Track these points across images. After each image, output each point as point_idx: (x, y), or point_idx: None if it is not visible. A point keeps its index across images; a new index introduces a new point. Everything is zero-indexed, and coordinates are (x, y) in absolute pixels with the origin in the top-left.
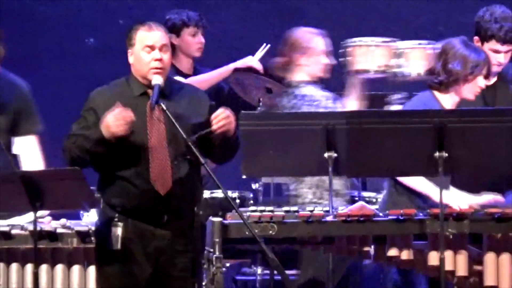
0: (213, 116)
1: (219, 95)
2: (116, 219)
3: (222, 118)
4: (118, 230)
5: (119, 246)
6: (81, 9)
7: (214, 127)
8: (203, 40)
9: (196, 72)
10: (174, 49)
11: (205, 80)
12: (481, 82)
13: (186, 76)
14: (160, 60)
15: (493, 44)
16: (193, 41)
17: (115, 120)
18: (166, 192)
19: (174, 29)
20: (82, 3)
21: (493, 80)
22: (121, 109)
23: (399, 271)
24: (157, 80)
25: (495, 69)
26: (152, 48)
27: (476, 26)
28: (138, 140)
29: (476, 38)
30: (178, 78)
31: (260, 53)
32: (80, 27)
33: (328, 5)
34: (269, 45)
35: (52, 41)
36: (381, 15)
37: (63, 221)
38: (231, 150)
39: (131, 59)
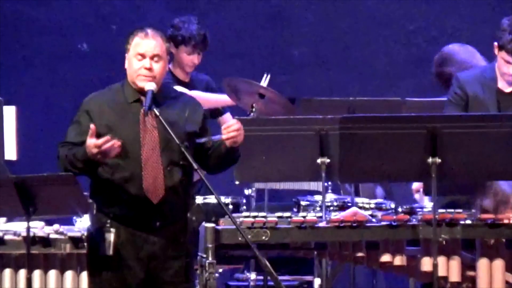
0: (225, 125)
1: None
2: (108, 225)
3: (233, 130)
4: (111, 236)
5: (111, 252)
6: (74, 14)
7: (224, 136)
8: (196, 61)
9: (191, 78)
10: (172, 55)
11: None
12: None
13: (181, 82)
14: (149, 69)
15: (504, 54)
16: (187, 58)
17: (99, 152)
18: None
19: (173, 40)
20: (75, 8)
21: (510, 88)
22: (106, 140)
23: None
24: (150, 86)
25: (506, 78)
26: (143, 56)
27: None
28: (131, 148)
29: (495, 44)
30: (178, 87)
31: (263, 84)
32: (73, 32)
33: (320, 10)
34: (269, 75)
35: (45, 46)
36: (374, 20)
37: (56, 226)
38: (229, 162)
39: (126, 63)
